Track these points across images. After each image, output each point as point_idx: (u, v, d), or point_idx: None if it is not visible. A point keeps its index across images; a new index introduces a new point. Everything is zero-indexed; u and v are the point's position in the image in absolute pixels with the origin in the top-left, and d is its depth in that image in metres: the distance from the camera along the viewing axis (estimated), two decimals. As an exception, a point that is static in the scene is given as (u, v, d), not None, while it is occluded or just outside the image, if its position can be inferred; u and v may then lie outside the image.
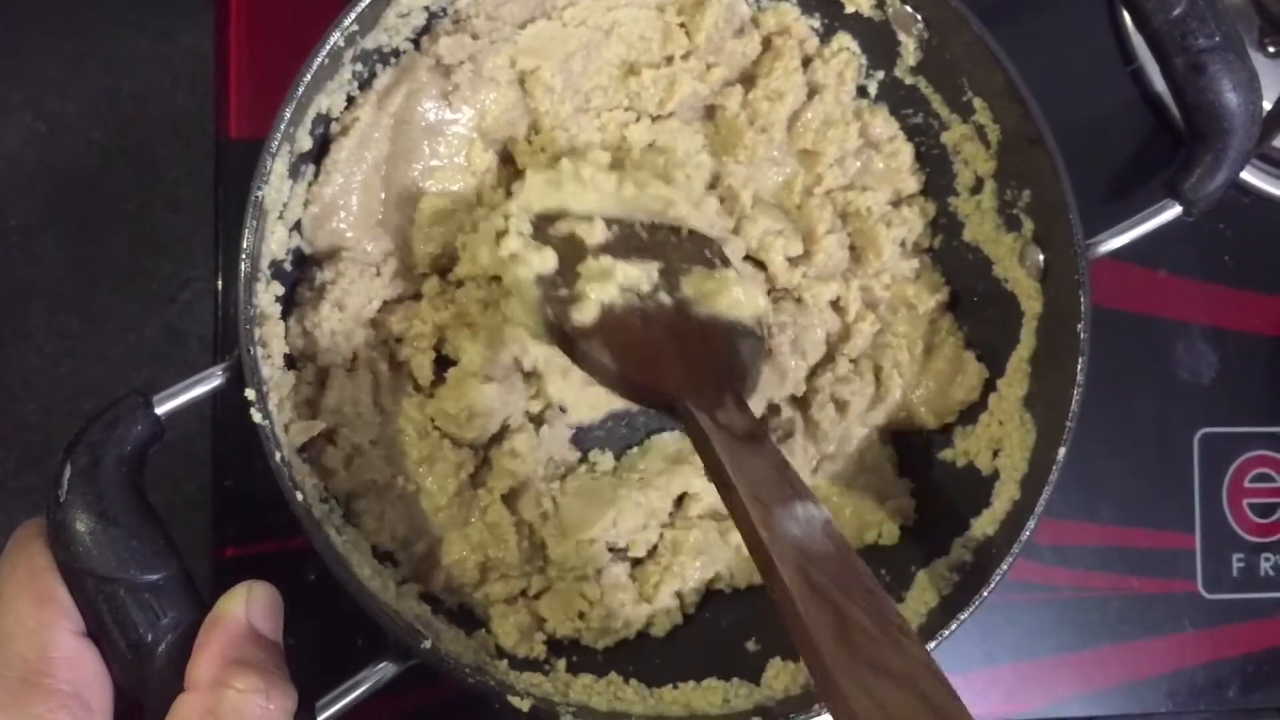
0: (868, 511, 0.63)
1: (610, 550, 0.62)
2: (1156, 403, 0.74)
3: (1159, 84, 0.71)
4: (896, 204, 0.65)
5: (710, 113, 0.64)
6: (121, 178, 0.79)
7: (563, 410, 0.62)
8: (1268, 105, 0.63)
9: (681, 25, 0.62)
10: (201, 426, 0.64)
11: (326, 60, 0.52)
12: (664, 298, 0.56)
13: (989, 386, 0.62)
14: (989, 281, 0.62)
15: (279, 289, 0.54)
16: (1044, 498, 0.56)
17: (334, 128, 0.57)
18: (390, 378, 0.59)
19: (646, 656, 0.61)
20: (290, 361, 0.56)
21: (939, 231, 0.65)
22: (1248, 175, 0.73)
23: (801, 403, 0.64)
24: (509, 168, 0.62)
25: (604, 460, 0.64)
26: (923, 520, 0.63)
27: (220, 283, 0.66)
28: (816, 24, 0.63)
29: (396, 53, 0.58)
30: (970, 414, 0.63)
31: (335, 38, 0.52)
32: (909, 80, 0.63)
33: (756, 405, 0.63)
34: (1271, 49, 0.75)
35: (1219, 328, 0.74)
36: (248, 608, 0.48)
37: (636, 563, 0.63)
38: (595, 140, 0.62)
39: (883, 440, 0.65)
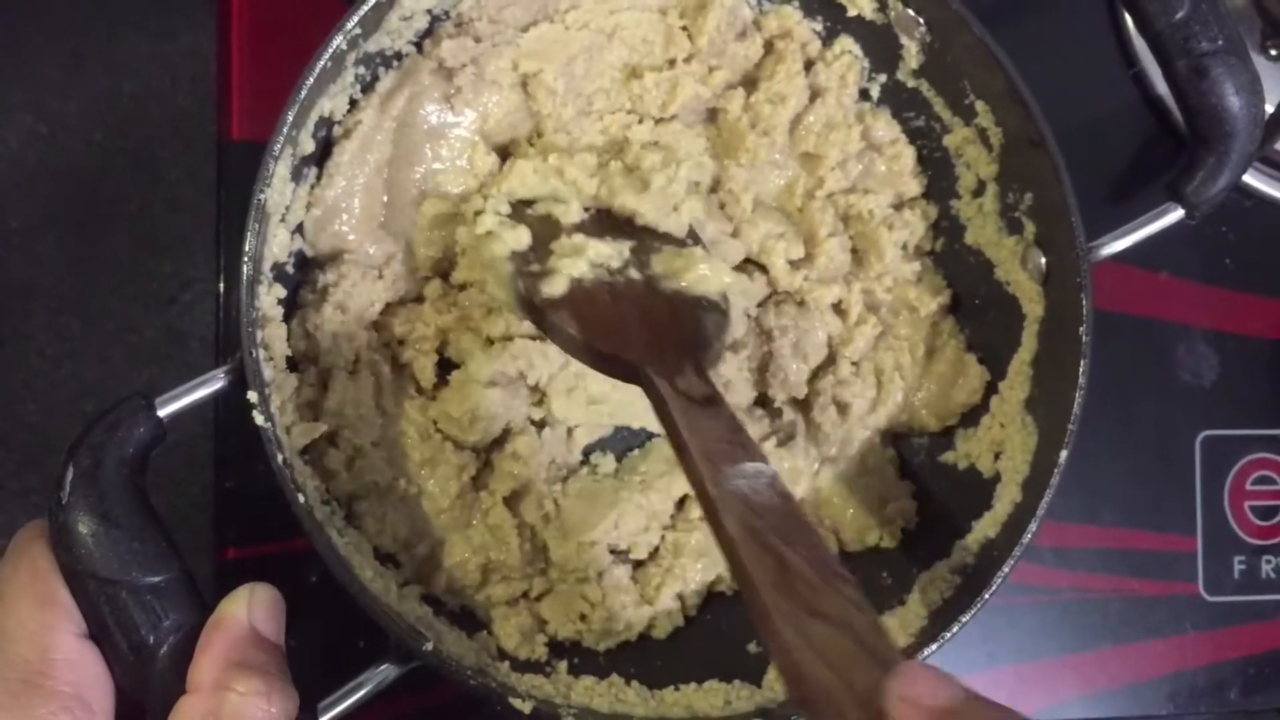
0: (869, 513, 0.63)
1: (612, 552, 0.62)
2: (1158, 405, 0.74)
3: (1160, 86, 0.71)
4: (898, 207, 0.65)
5: (712, 115, 0.64)
6: (122, 178, 0.79)
7: (569, 431, 0.63)
8: (1270, 108, 0.63)
9: (684, 28, 0.62)
10: (203, 428, 0.64)
11: (329, 63, 0.52)
12: (633, 273, 0.57)
13: (990, 389, 0.62)
14: (991, 284, 0.62)
15: (281, 291, 0.54)
16: (1046, 500, 0.56)
17: (336, 130, 0.57)
18: (392, 380, 0.60)
19: (648, 658, 0.61)
20: (292, 364, 0.56)
21: (941, 234, 0.65)
22: (1250, 178, 0.73)
23: (803, 405, 0.64)
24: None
25: (605, 462, 0.64)
26: (924, 523, 0.63)
27: (222, 284, 0.66)
28: (819, 27, 0.63)
29: (399, 55, 0.58)
30: (971, 417, 0.63)
31: (338, 41, 0.52)
32: (911, 83, 0.63)
33: (744, 395, 0.64)
34: (1273, 52, 0.75)
35: (1220, 330, 0.74)
36: (249, 610, 0.48)
37: (638, 565, 0.63)
38: (597, 143, 0.62)
39: (884, 443, 0.65)
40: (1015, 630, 0.71)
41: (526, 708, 0.53)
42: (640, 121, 0.63)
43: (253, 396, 0.50)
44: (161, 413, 0.49)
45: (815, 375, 0.64)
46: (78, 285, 0.78)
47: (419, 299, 0.61)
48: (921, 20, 0.60)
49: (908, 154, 0.64)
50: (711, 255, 0.59)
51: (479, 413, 0.59)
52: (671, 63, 0.62)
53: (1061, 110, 0.58)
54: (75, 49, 0.78)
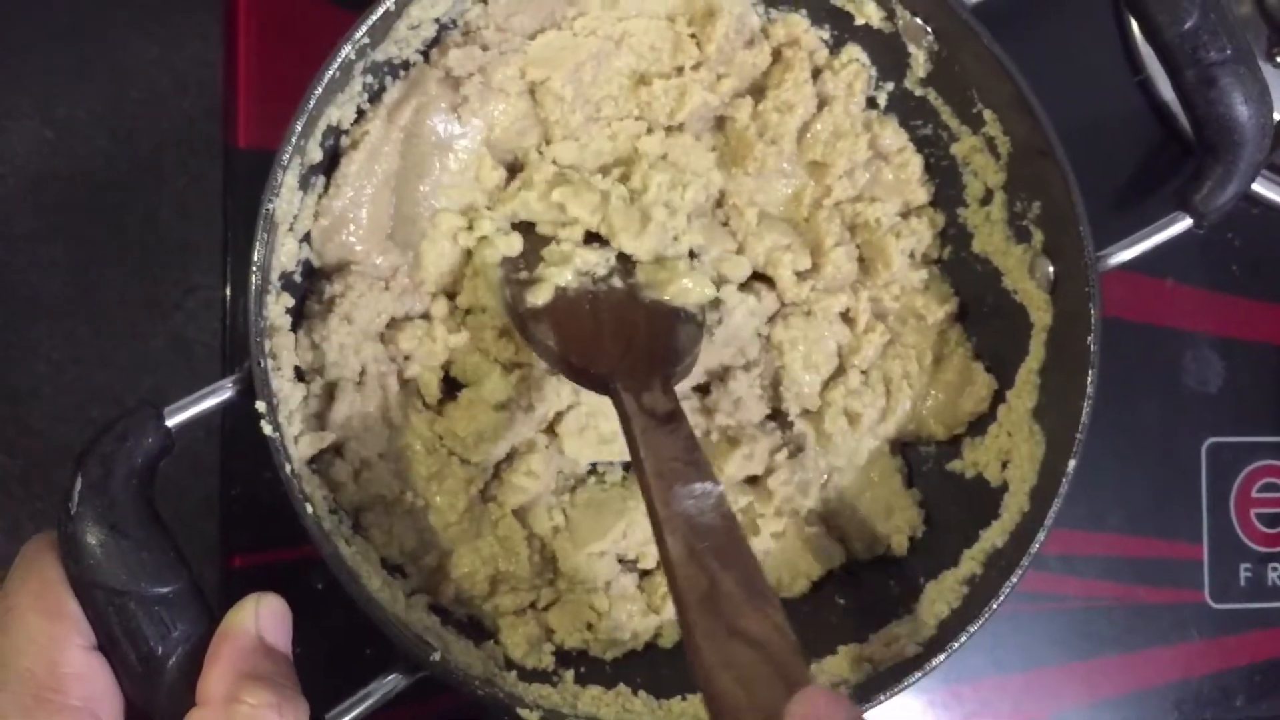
0: (876, 523, 0.63)
1: (620, 561, 0.62)
2: (1164, 412, 0.74)
3: (1167, 93, 0.71)
4: (905, 215, 0.64)
5: (720, 124, 0.64)
6: (128, 185, 0.79)
7: (578, 466, 0.63)
8: (1278, 116, 0.63)
9: (692, 36, 0.62)
10: (209, 435, 0.64)
11: (337, 73, 0.52)
12: (616, 282, 0.60)
13: (998, 398, 0.62)
14: (998, 293, 0.62)
15: (289, 301, 0.54)
16: (1054, 510, 0.56)
17: (344, 141, 0.57)
18: (399, 393, 0.59)
19: (655, 668, 0.61)
20: (300, 374, 0.56)
21: (948, 242, 0.65)
22: (1257, 186, 0.73)
23: (814, 416, 0.64)
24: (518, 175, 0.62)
25: (612, 471, 0.64)
26: (932, 532, 0.63)
27: (228, 290, 0.66)
28: (826, 35, 0.63)
29: (406, 64, 0.58)
30: (979, 425, 0.63)
31: (346, 50, 0.52)
32: (919, 92, 0.63)
33: (756, 412, 0.64)
34: None
35: (1226, 337, 0.74)
36: (257, 620, 0.48)
37: (644, 574, 0.63)
38: (605, 150, 0.62)
39: (892, 452, 0.65)
40: (1021, 637, 0.71)
41: (534, 717, 0.53)
42: (650, 132, 0.63)
43: (261, 406, 0.50)
44: (170, 423, 0.49)
45: (826, 386, 0.64)
46: (83, 291, 0.78)
47: (426, 315, 0.61)
48: (929, 29, 0.60)
49: (915, 162, 0.64)
50: (694, 268, 0.61)
51: (486, 434, 0.59)
52: (680, 70, 0.62)
53: (1067, 117, 0.57)
54: (82, 56, 0.79)
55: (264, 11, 0.66)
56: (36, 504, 0.81)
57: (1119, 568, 0.72)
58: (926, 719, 0.70)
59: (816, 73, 0.63)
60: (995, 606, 0.55)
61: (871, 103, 0.64)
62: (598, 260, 0.59)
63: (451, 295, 0.61)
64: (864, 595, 0.63)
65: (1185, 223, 0.60)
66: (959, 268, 0.65)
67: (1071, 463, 0.56)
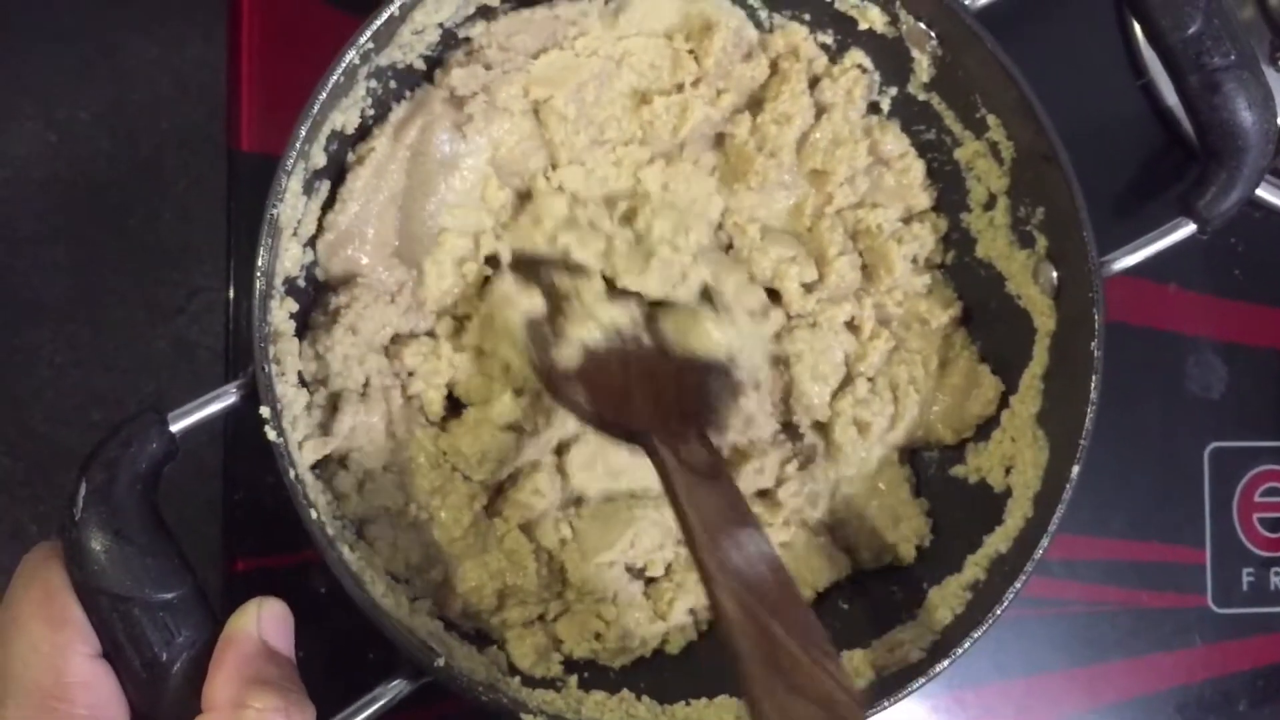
0: (884, 532, 0.63)
1: (628, 570, 0.62)
2: (1166, 417, 0.74)
3: (1170, 98, 0.71)
4: (907, 220, 0.64)
5: (719, 141, 0.64)
6: (130, 187, 0.79)
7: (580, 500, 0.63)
8: (1281, 121, 0.63)
9: (690, 52, 0.62)
10: (212, 439, 0.64)
11: (342, 78, 0.52)
12: (644, 337, 0.59)
13: (1002, 403, 0.62)
14: (1002, 298, 0.62)
15: (293, 306, 0.54)
16: (1058, 515, 0.56)
17: (349, 158, 0.57)
18: (402, 407, 0.59)
19: (659, 673, 0.61)
20: (303, 381, 0.56)
21: (951, 247, 0.65)
22: (1261, 191, 0.73)
23: (824, 427, 0.64)
24: (525, 205, 0.62)
25: None
26: (935, 538, 0.63)
27: (231, 294, 0.66)
28: (829, 40, 0.63)
29: (411, 69, 0.58)
30: (983, 430, 0.63)
31: (351, 55, 0.52)
32: (922, 96, 0.63)
33: (767, 428, 0.63)
34: (1283, 63, 0.75)
35: (1229, 342, 0.74)
36: (260, 624, 0.48)
37: (650, 581, 0.63)
38: (611, 179, 0.62)
39: (901, 461, 0.65)
40: (1024, 642, 0.71)
41: (538, 723, 0.53)
42: (651, 160, 0.63)
43: (265, 412, 0.50)
44: (174, 428, 0.49)
45: (835, 396, 0.64)
46: (86, 294, 0.78)
47: (431, 333, 0.60)
48: (933, 33, 0.60)
49: (917, 167, 0.64)
50: (720, 317, 0.60)
51: (491, 454, 0.59)
52: (680, 87, 0.62)
53: (1070, 122, 0.57)
54: (83, 58, 0.78)
55: (267, 14, 0.66)
56: (39, 506, 0.81)
57: (1122, 572, 0.72)
58: (929, 724, 0.71)
59: (815, 81, 0.63)
60: (999, 612, 0.55)
61: (875, 107, 0.64)
62: (622, 314, 0.58)
63: (456, 315, 0.61)
64: (868, 601, 0.63)
65: (1189, 228, 0.60)
66: (962, 273, 0.65)
67: (1075, 468, 0.56)
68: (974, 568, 0.59)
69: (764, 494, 0.63)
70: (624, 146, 0.62)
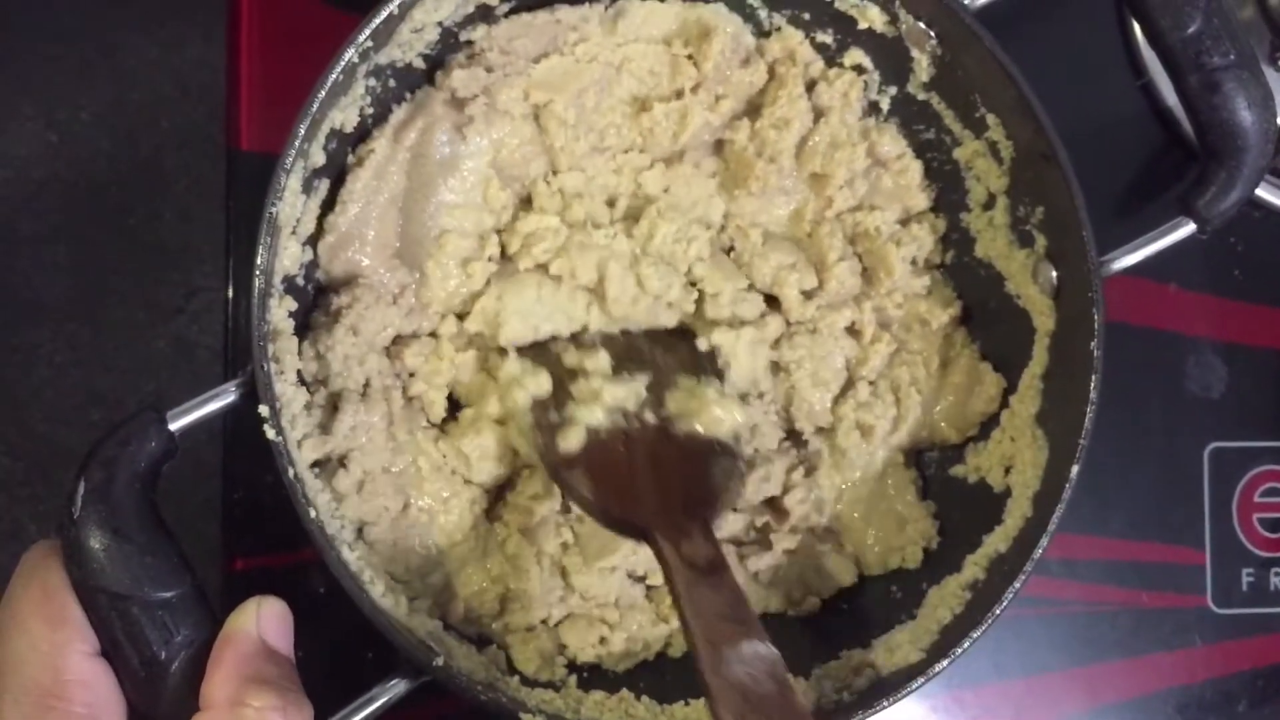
0: (891, 537, 0.63)
1: (628, 575, 0.61)
2: (1166, 417, 0.73)
3: (1170, 98, 0.71)
4: (905, 222, 0.64)
5: (719, 148, 0.64)
6: (130, 187, 0.79)
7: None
8: (1281, 121, 0.63)
9: (689, 57, 0.62)
10: (211, 438, 0.64)
11: (341, 76, 0.52)
12: (648, 416, 0.59)
13: (1002, 402, 0.62)
14: (1001, 298, 0.62)
15: (292, 304, 0.54)
16: (1057, 515, 0.56)
17: (350, 159, 0.57)
18: (404, 408, 0.59)
19: (659, 673, 0.61)
20: (303, 379, 0.56)
21: (951, 247, 0.65)
22: (1260, 191, 0.73)
23: (828, 433, 0.64)
24: (528, 210, 0.62)
25: None
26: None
27: (230, 293, 0.66)
28: (828, 39, 0.63)
29: (410, 67, 0.58)
30: (983, 430, 0.63)
31: (349, 54, 0.52)
32: (921, 96, 0.63)
33: (772, 438, 0.64)
34: (1283, 63, 0.75)
35: (1229, 342, 0.74)
36: (259, 623, 0.48)
37: (651, 586, 0.62)
38: (611, 186, 0.62)
39: (906, 463, 0.65)
40: (1023, 642, 0.71)
41: (537, 722, 0.53)
42: (651, 165, 0.63)
43: (264, 410, 0.50)
44: (173, 426, 0.49)
45: (837, 400, 0.64)
46: (86, 294, 0.78)
47: (434, 334, 0.60)
48: (932, 33, 0.60)
49: (915, 168, 0.64)
50: (724, 394, 0.60)
51: (489, 453, 0.59)
52: (679, 94, 0.62)
53: (1070, 121, 0.57)
54: (84, 58, 0.78)
55: (267, 14, 0.66)
56: (39, 506, 0.81)
57: (1121, 572, 0.72)
58: (928, 724, 0.71)
59: (811, 85, 0.63)
60: (998, 612, 0.55)
61: (874, 107, 0.64)
62: (627, 394, 0.59)
63: (460, 315, 0.61)
64: (867, 600, 0.63)
65: (1188, 228, 0.60)
66: (962, 273, 0.65)
67: (1074, 468, 0.56)
68: (973, 567, 0.59)
69: (771, 502, 0.63)
70: (624, 154, 0.62)
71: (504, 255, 0.61)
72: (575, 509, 0.60)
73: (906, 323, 0.64)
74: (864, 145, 0.63)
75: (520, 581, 0.60)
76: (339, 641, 0.58)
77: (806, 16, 0.62)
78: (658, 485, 0.57)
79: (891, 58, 0.62)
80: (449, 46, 0.59)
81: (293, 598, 0.50)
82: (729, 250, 0.64)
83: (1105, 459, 0.71)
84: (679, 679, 0.60)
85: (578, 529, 0.61)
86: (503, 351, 0.60)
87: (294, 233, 0.54)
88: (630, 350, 0.61)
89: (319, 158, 0.54)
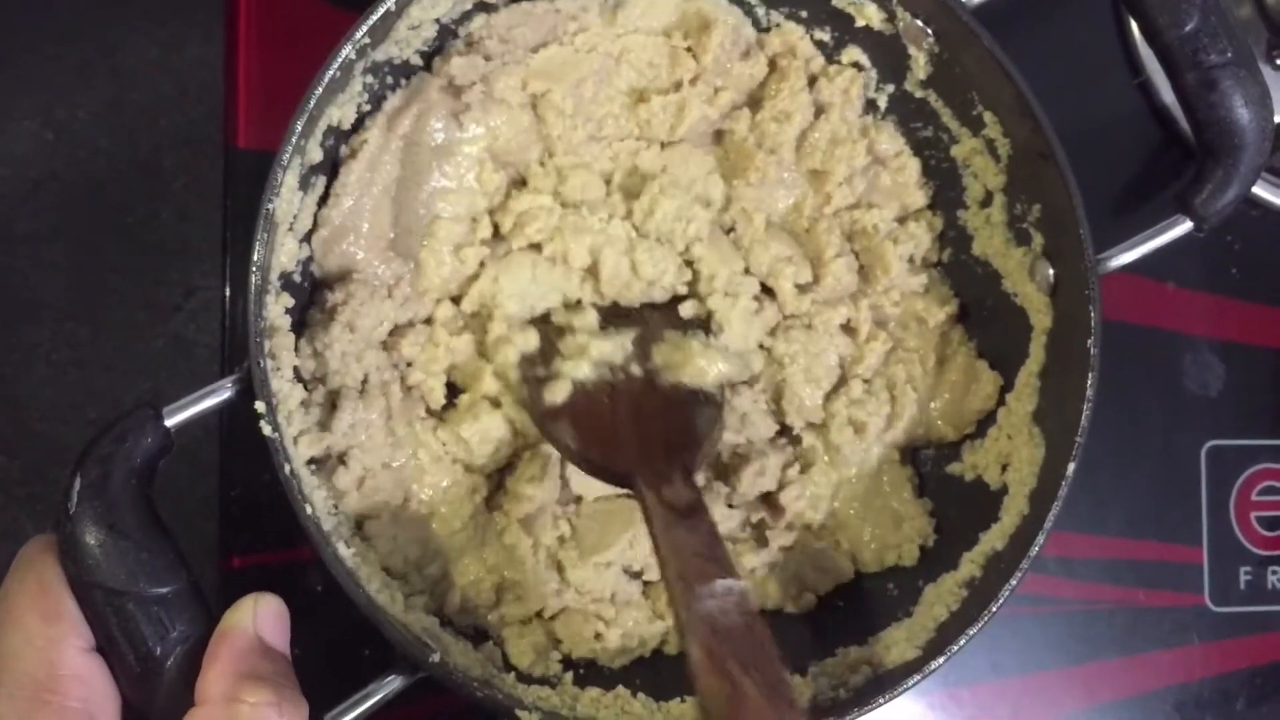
0: (888, 534, 0.63)
1: (625, 571, 0.61)
2: (1164, 415, 0.73)
3: (1167, 96, 0.71)
4: (903, 220, 0.64)
5: (719, 138, 0.64)
6: (128, 186, 0.79)
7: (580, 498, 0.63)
8: (1278, 119, 0.63)
9: (688, 49, 0.62)
10: (208, 436, 0.64)
11: (338, 72, 0.52)
12: (634, 368, 0.60)
13: (999, 399, 0.62)
14: (998, 296, 0.62)
15: (289, 301, 0.54)
16: (1053, 513, 0.56)
17: (343, 151, 0.57)
18: (402, 401, 0.59)
19: (655, 670, 0.61)
20: (299, 375, 0.56)
21: (948, 245, 0.65)
22: (1257, 189, 0.73)
23: (821, 429, 0.64)
24: (521, 189, 0.62)
25: None
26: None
27: (228, 292, 0.66)
28: (826, 37, 0.63)
29: (407, 64, 0.58)
30: (979, 428, 0.63)
31: (347, 50, 0.52)
32: (919, 94, 0.63)
33: (766, 428, 0.63)
34: (1279, 61, 0.75)
35: (1226, 340, 0.74)
36: (255, 620, 0.48)
37: (648, 582, 0.62)
38: (607, 168, 0.62)
39: (903, 460, 0.65)
40: (1020, 641, 0.71)
41: (533, 719, 0.53)
42: (649, 146, 0.63)
43: (260, 407, 0.50)
44: (169, 423, 0.49)
45: (829, 397, 0.64)
46: (84, 293, 0.78)
47: (429, 320, 0.60)
48: (930, 31, 0.60)
49: (913, 166, 0.64)
50: (709, 345, 0.61)
51: (488, 434, 0.59)
52: (678, 85, 0.62)
53: (1067, 119, 0.57)
54: (82, 57, 0.79)
55: (264, 13, 0.67)
56: (37, 505, 0.81)
57: (1119, 571, 0.72)
58: (926, 722, 0.71)
59: (812, 80, 0.63)
60: (994, 610, 0.55)
61: (872, 105, 0.64)
62: (613, 349, 0.60)
63: (455, 299, 0.61)
64: (863, 598, 0.63)
65: (1185, 226, 0.60)
66: (959, 270, 0.65)
67: (1071, 466, 0.56)
68: (969, 565, 0.59)
69: (766, 499, 0.63)
70: (620, 142, 0.62)
71: (497, 235, 0.62)
72: (570, 477, 0.61)
73: (903, 320, 0.64)
74: (864, 142, 0.63)
75: (516, 572, 0.60)
76: (335, 638, 0.58)
77: (804, 14, 0.62)
78: (640, 434, 0.58)
79: (889, 55, 0.62)
80: (447, 41, 0.59)
81: (289, 595, 0.50)
82: (729, 231, 0.64)
83: (1102, 457, 0.71)
84: (675, 676, 0.60)
85: (575, 522, 0.61)
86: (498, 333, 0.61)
87: (291, 229, 0.54)
88: (618, 309, 0.62)
89: (316, 154, 0.54)
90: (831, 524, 0.64)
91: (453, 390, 0.61)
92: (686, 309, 0.63)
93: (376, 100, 0.57)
